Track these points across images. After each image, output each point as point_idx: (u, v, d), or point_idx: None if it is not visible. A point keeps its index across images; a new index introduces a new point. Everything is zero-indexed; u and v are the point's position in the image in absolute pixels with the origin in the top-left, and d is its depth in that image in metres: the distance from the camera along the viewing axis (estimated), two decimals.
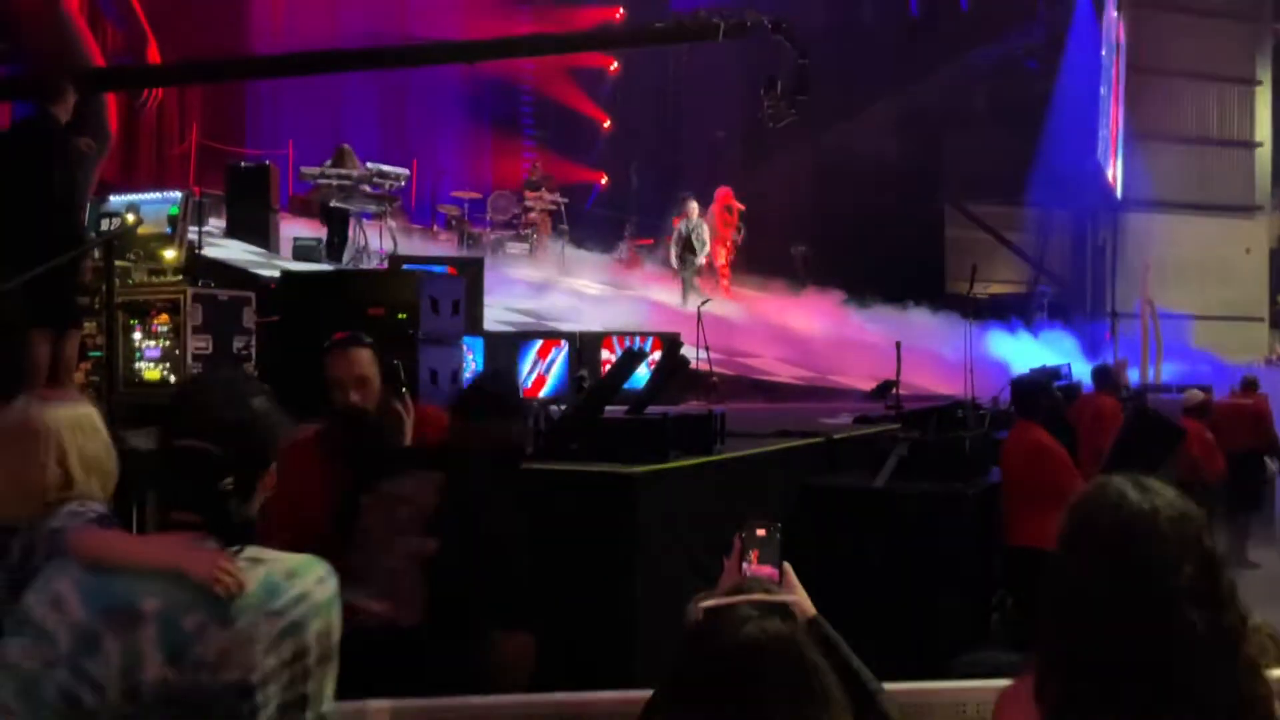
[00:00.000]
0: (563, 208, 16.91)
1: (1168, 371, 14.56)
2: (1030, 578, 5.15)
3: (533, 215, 16.41)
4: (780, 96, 9.81)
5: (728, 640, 1.56)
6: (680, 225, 15.69)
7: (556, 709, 2.58)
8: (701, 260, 15.53)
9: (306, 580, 1.83)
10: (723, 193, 16.94)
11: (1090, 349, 16.09)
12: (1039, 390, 5.71)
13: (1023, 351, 14.38)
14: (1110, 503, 1.78)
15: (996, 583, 6.20)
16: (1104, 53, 20.38)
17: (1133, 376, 13.20)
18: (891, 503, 5.59)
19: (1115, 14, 20.12)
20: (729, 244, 16.78)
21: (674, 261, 15.64)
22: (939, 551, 5.43)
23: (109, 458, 2.49)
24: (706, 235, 15.56)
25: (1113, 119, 20.63)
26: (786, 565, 1.95)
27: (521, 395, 3.62)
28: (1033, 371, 6.26)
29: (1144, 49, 20.57)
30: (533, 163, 17.85)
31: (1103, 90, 20.52)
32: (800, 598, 1.91)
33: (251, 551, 1.82)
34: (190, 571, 1.75)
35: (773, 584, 1.88)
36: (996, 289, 18.96)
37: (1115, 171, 20.70)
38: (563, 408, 5.38)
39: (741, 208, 17.04)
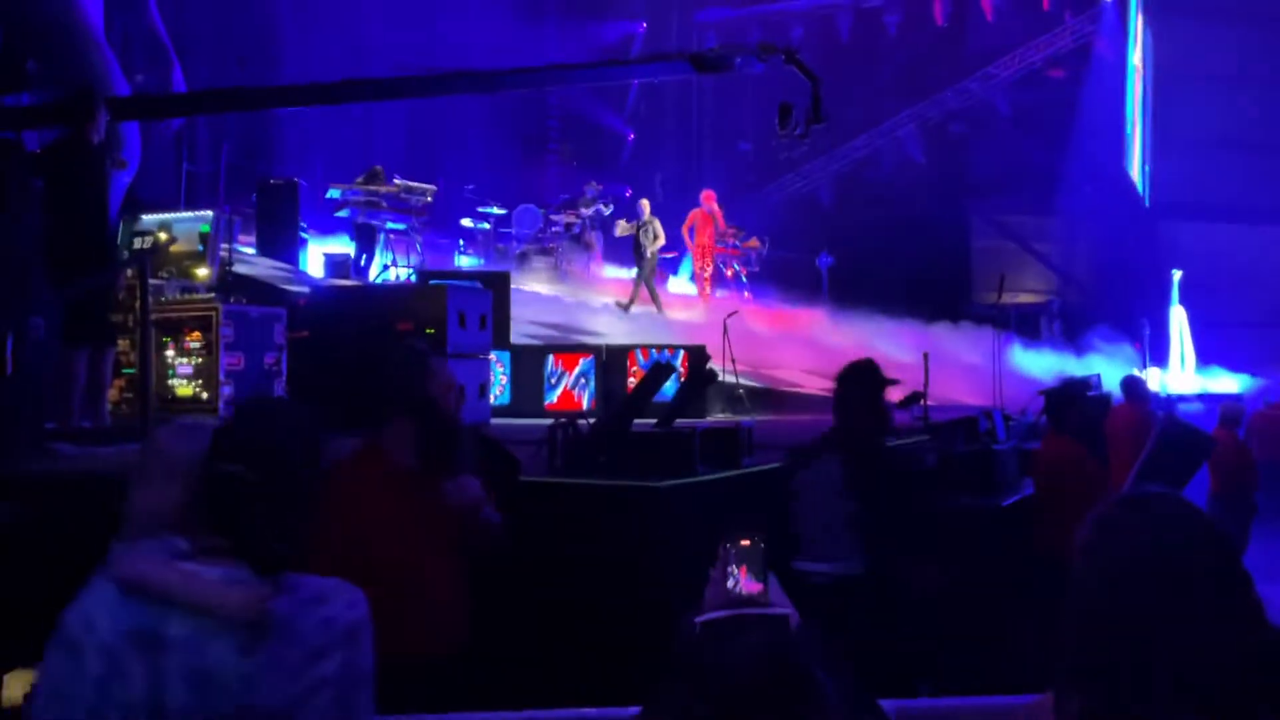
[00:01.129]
0: (587, 221, 16.97)
1: (1199, 381, 14.44)
2: (1057, 587, 5.11)
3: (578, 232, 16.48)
4: (795, 124, 9.89)
5: (725, 655, 1.57)
6: (632, 226, 15.42)
7: None
8: (648, 256, 14.86)
9: (335, 605, 1.81)
10: (706, 196, 16.40)
11: (1082, 357, 16.03)
12: (1070, 401, 5.66)
13: (1049, 363, 14.28)
14: (1130, 516, 1.78)
15: (1029, 593, 6.15)
16: (1131, 59, 20.27)
17: (1162, 386, 13.09)
18: (922, 515, 5.56)
19: (1142, 20, 20.01)
20: (712, 251, 16.17)
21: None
22: (970, 565, 5.39)
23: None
24: (656, 232, 14.95)
25: (1140, 126, 20.50)
26: (772, 577, 1.97)
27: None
28: (1063, 382, 6.20)
29: (1171, 54, 20.43)
30: (590, 182, 17.81)
31: (1130, 97, 20.41)
32: (787, 609, 1.93)
33: (281, 577, 1.81)
34: (221, 607, 1.74)
35: (762, 597, 1.90)
36: (1025, 298, 18.85)
37: (1143, 179, 20.56)
38: (591, 421, 5.39)
39: (718, 212, 16.39)
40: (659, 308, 14.57)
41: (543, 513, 4.55)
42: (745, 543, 2.00)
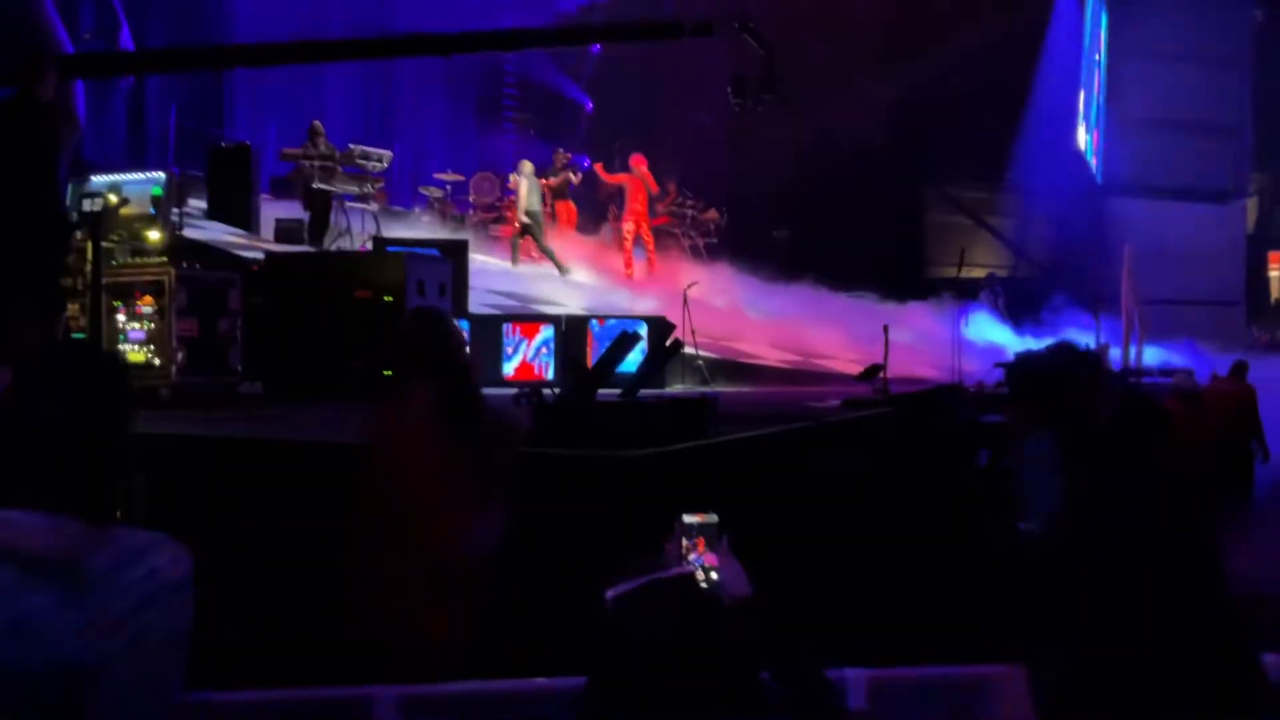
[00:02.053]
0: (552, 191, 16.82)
1: (1149, 356, 14.64)
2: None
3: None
4: (747, 94, 9.91)
5: (649, 623, 1.58)
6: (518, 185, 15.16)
7: (507, 698, 2.55)
8: (523, 219, 14.65)
9: (158, 558, 1.76)
10: (635, 160, 15.95)
11: (1021, 332, 16.26)
12: (1036, 373, 5.66)
13: (1004, 336, 14.45)
14: (1100, 494, 1.77)
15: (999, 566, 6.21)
16: (1085, 37, 20.44)
17: (1114, 360, 13.26)
18: (887, 487, 5.59)
19: None
20: (645, 218, 15.71)
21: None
22: (936, 535, 5.44)
23: None
24: (524, 192, 14.66)
25: (1093, 103, 20.70)
26: (724, 542, 2.01)
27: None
28: (1028, 355, 6.21)
29: (1125, 33, 20.62)
30: (557, 150, 17.53)
31: (1083, 74, 20.59)
32: (733, 579, 1.96)
33: (102, 527, 1.75)
34: (39, 549, 1.68)
35: (714, 569, 1.94)
36: (978, 273, 19.02)
37: (1096, 156, 20.78)
38: (555, 391, 5.34)
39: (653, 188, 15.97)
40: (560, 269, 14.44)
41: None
42: (699, 517, 2.08)
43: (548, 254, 14.68)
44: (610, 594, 1.73)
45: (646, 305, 12.58)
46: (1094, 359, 4.51)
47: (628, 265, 15.46)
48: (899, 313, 13.97)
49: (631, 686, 1.53)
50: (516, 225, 14.97)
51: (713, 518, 2.07)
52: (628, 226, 15.56)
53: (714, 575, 2.40)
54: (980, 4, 20.11)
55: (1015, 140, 19.81)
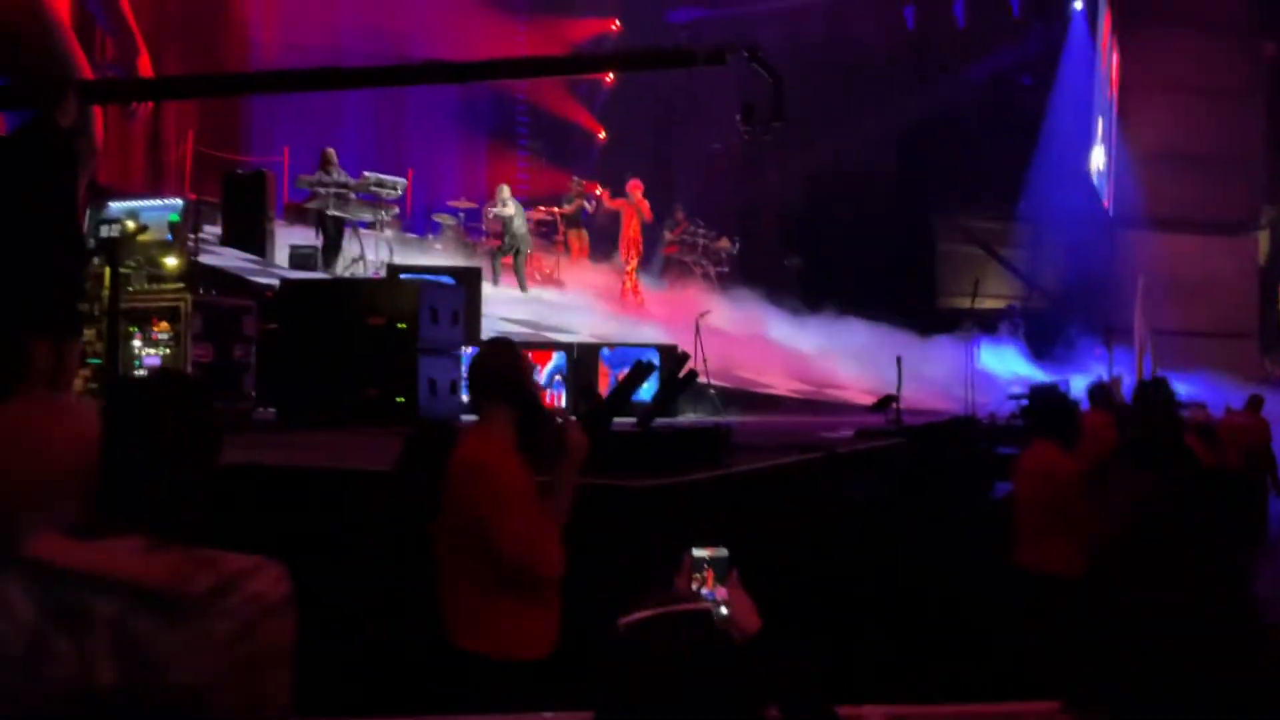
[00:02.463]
0: (557, 218, 16.89)
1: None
2: (1040, 601, 5.09)
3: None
4: (756, 122, 10.02)
5: (646, 654, 1.58)
6: (491, 212, 15.24)
7: None
8: (512, 244, 14.72)
9: (259, 581, 1.79)
10: (632, 185, 15.86)
11: (1043, 364, 16.17)
12: (1056, 406, 5.61)
13: (1016, 367, 14.40)
14: (1153, 525, 1.76)
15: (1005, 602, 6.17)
16: (1097, 67, 20.49)
17: (1128, 392, 13.21)
18: (902, 518, 5.56)
19: (1109, 27, 20.24)
20: (639, 245, 15.68)
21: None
22: (951, 568, 5.40)
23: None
24: (512, 214, 14.70)
25: (1106, 134, 20.73)
26: (734, 576, 2.00)
27: None
28: (1041, 386, 6.17)
29: (1137, 64, 20.68)
30: (573, 178, 17.63)
31: (1095, 105, 20.63)
32: (743, 613, 1.95)
33: (202, 552, 1.79)
34: (143, 576, 1.72)
35: (724, 603, 1.93)
36: (990, 303, 19.01)
37: (1107, 187, 20.79)
38: (572, 419, 5.33)
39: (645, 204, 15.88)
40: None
41: None
42: (709, 551, 2.07)
43: (518, 271, 14.74)
44: (623, 622, 1.72)
45: (652, 334, 12.60)
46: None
47: (633, 293, 15.42)
48: (911, 343, 13.95)
49: (639, 718, 1.52)
50: (497, 245, 15.03)
51: (723, 551, 2.06)
52: (625, 255, 15.53)
53: (724, 610, 2.40)
54: (992, 34, 20.20)
55: (1027, 170, 19.84)
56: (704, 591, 2.00)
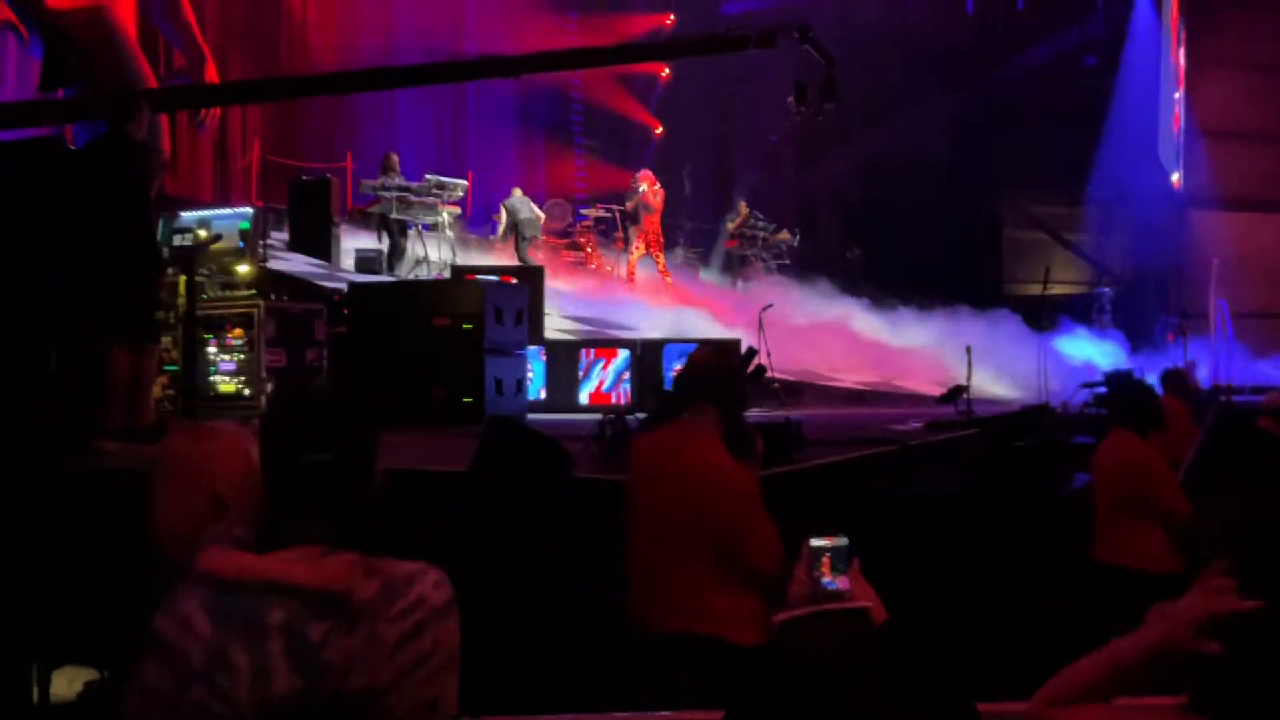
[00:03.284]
0: (616, 215, 16.90)
1: (1238, 374, 14.21)
2: (1121, 595, 4.97)
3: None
4: (809, 103, 9.97)
5: (816, 652, 1.54)
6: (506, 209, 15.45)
7: None
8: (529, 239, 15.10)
9: (424, 585, 1.84)
10: (643, 176, 15.63)
11: (1154, 352, 15.76)
12: (1136, 394, 5.48)
13: (1088, 355, 14.12)
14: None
15: (1083, 598, 6.05)
16: (1164, 46, 20.00)
17: (1203, 378, 12.89)
18: (977, 512, 5.48)
19: (1176, 5, 19.75)
20: (656, 238, 15.42)
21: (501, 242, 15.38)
22: (1028, 563, 5.31)
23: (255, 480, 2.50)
24: (522, 215, 15.07)
25: (1174, 114, 20.23)
26: (855, 565, 1.96)
27: None
28: (1118, 374, 6.04)
29: (1205, 41, 20.14)
30: (634, 175, 17.67)
31: (1162, 85, 20.14)
32: (871, 603, 1.91)
33: (368, 559, 1.84)
34: (315, 583, 1.77)
35: (845, 593, 1.89)
36: (1058, 290, 18.64)
37: (1177, 168, 20.29)
38: (640, 416, 5.34)
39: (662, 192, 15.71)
40: None
41: (596, 510, 4.50)
42: (829, 540, 2.03)
43: (518, 250, 15.00)
44: (777, 619, 1.70)
45: (714, 330, 12.54)
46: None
47: (629, 277, 15.29)
48: (979, 331, 13.73)
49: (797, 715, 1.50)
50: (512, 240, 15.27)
51: (842, 540, 2.02)
52: (637, 245, 15.33)
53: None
54: (1054, 15, 19.80)
55: (1093, 153, 19.41)
56: (824, 581, 1.97)
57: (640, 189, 15.40)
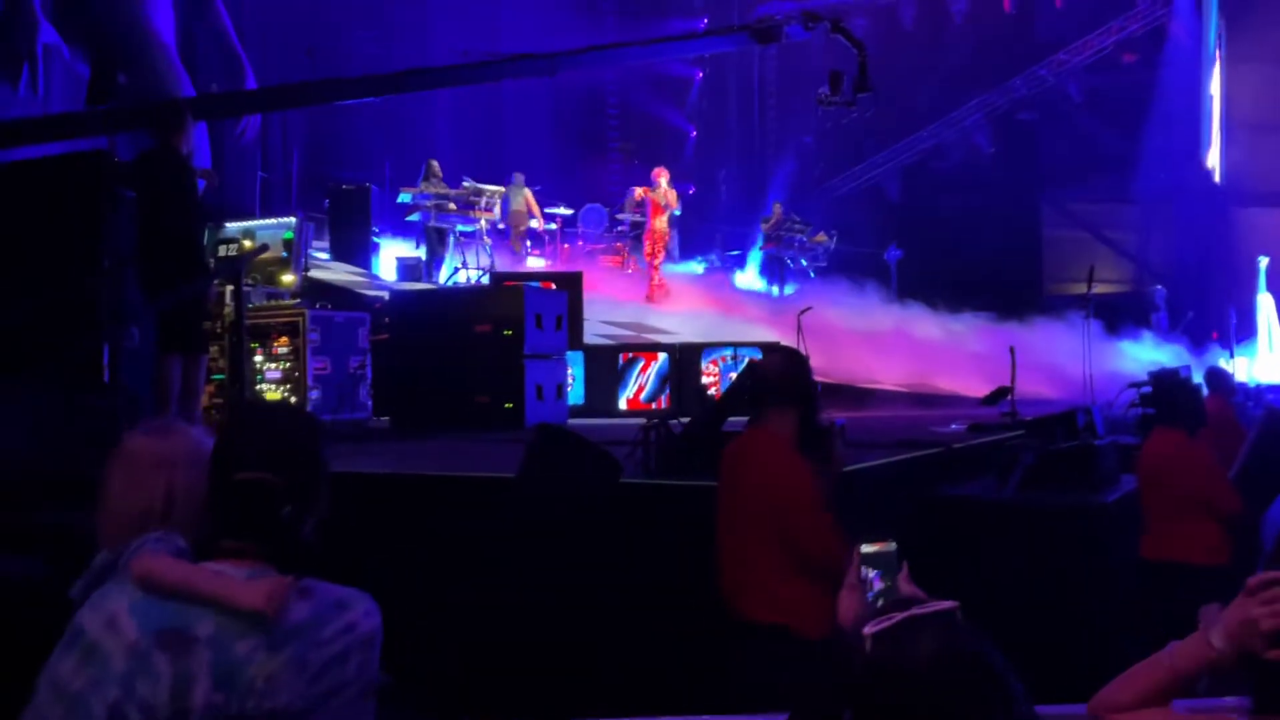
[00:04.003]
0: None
1: None
2: (1174, 592, 4.91)
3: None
4: (843, 92, 10.01)
5: (913, 659, 1.53)
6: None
7: None
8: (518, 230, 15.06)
9: (354, 612, 1.85)
10: (657, 173, 15.11)
11: (1199, 350, 15.51)
12: (1182, 392, 5.42)
13: (1135, 354, 13.94)
14: None
15: (1134, 598, 5.98)
16: (1206, 41, 19.73)
17: (1250, 378, 12.70)
18: (1023, 514, 5.43)
19: (1216, 1, 19.49)
20: (663, 237, 15.00)
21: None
22: (1074, 565, 5.26)
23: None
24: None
25: (1215, 110, 19.95)
26: (904, 570, 1.97)
27: None
28: (1164, 372, 5.95)
29: (1246, 37, 19.84)
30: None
31: (1203, 80, 19.86)
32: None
33: (303, 581, 1.84)
34: (243, 601, 1.77)
35: (921, 598, 1.88)
36: (1101, 289, 18.40)
37: (1218, 164, 19.99)
38: (684, 421, 5.34)
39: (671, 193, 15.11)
40: None
41: (643, 516, 4.51)
42: (878, 546, 2.02)
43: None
44: (868, 630, 1.71)
45: (754, 332, 12.50)
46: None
47: (650, 294, 14.74)
48: (1021, 332, 13.61)
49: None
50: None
51: (891, 545, 2.03)
52: (651, 250, 14.89)
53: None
54: (1093, 13, 19.60)
55: (1135, 150, 19.18)
56: (877, 586, 1.98)
57: (655, 187, 15.03)
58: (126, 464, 2.25)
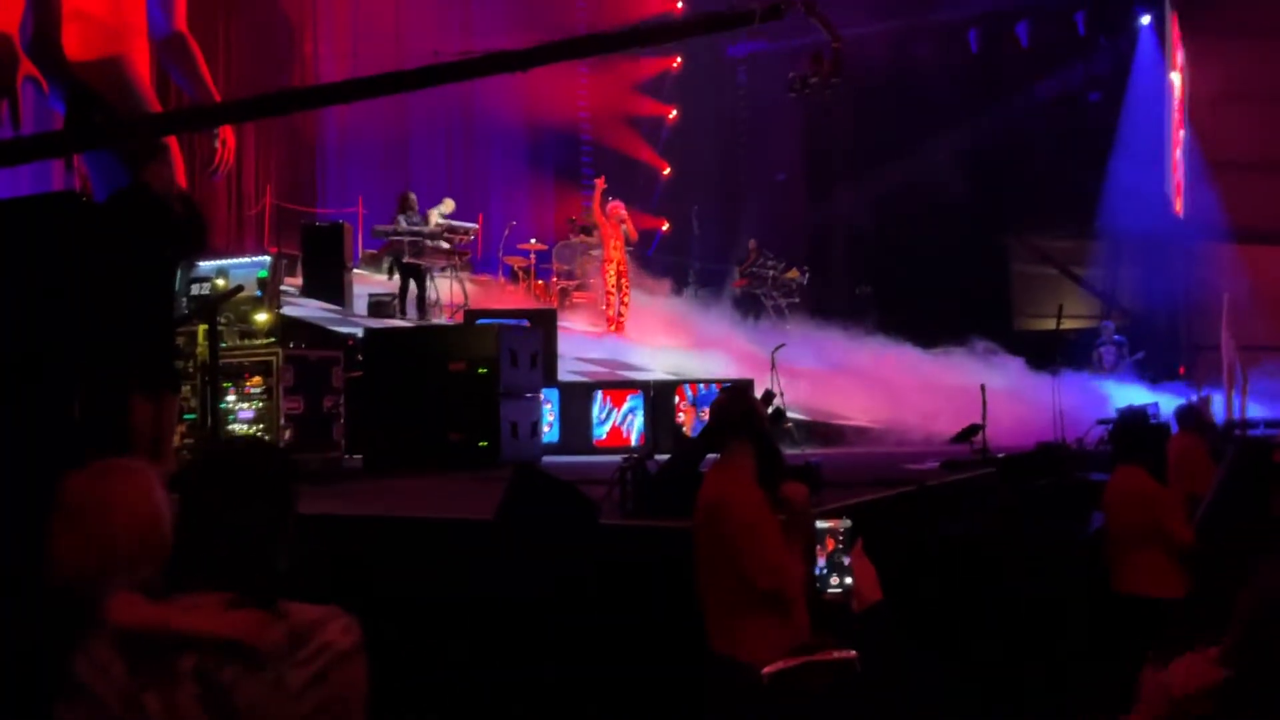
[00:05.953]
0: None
1: (1252, 408, 14.14)
2: (1139, 625, 4.99)
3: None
4: (817, 79, 10.13)
5: (789, 703, 1.60)
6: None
7: None
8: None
9: (331, 630, 1.89)
10: (613, 208, 14.85)
11: (1166, 386, 15.69)
12: (1143, 430, 5.52)
13: (1105, 390, 14.09)
14: None
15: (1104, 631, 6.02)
16: (1167, 80, 20.12)
17: (1217, 413, 12.82)
18: (1000, 550, 5.47)
19: (1177, 40, 19.89)
20: (623, 268, 14.70)
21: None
22: (1050, 599, 5.30)
23: (163, 528, 2.36)
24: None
25: (1177, 148, 20.31)
26: (858, 545, 2.04)
27: None
28: (1130, 410, 6.05)
29: (1207, 74, 20.25)
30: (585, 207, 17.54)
31: (1167, 118, 20.24)
32: (865, 582, 1.97)
33: (277, 604, 1.90)
34: (222, 633, 1.83)
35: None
36: (1067, 324, 18.60)
37: (1181, 201, 20.34)
38: (660, 459, 5.34)
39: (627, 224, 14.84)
40: None
41: (621, 558, 4.50)
42: (832, 522, 2.09)
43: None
44: (767, 671, 1.76)
45: (717, 369, 12.52)
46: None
47: (610, 322, 14.56)
48: (990, 368, 13.73)
49: None
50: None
51: (846, 522, 2.11)
52: (609, 278, 14.63)
53: (848, 580, 2.46)
54: (1058, 52, 19.97)
55: (1100, 187, 19.49)
56: (826, 559, 2.05)
57: (611, 216, 14.76)
58: (64, 506, 2.27)
